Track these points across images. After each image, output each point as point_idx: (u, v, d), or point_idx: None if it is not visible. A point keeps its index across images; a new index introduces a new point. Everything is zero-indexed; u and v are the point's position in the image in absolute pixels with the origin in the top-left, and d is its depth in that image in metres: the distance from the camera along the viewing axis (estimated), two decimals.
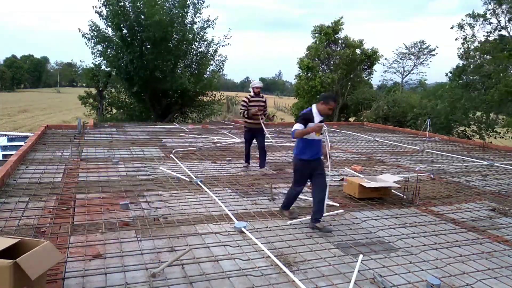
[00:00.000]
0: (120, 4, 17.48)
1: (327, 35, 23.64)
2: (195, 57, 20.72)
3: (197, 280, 3.52)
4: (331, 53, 24.08)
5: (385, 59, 45.16)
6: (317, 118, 4.86)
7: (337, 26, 23.72)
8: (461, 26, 17.93)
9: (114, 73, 20.07)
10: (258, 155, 8.19)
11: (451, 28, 18.26)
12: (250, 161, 8.52)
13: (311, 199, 6.19)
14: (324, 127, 4.78)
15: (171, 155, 9.20)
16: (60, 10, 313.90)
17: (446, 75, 20.56)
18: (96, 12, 17.85)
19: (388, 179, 6.50)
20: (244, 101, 7.90)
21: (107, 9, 17.60)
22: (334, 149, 11.06)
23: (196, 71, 20.21)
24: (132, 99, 21.66)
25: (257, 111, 7.72)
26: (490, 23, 17.37)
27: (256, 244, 4.30)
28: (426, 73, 52.27)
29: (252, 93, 7.90)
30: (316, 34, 24.28)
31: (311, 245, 4.39)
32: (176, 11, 18.76)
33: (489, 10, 17.25)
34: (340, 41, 24.20)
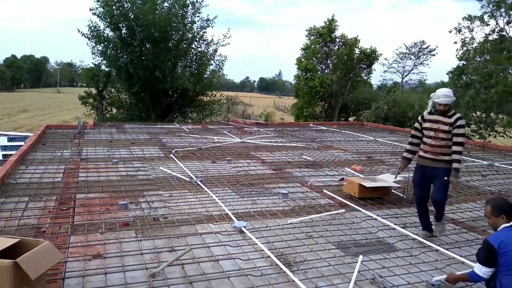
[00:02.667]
0: (118, 4, 17.47)
1: (322, 36, 23.65)
2: (195, 57, 20.72)
3: (197, 280, 3.52)
4: (329, 53, 24.07)
5: (385, 59, 45.25)
6: None
7: (331, 25, 23.71)
8: (458, 30, 17.98)
9: (114, 73, 20.07)
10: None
11: (449, 32, 18.30)
12: (248, 162, 8.41)
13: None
14: None
15: (171, 155, 9.20)
16: (60, 10, 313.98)
17: (447, 74, 20.59)
18: (93, 13, 17.83)
19: (388, 179, 6.50)
20: (417, 121, 4.90)
21: (104, 9, 17.60)
22: (334, 149, 11.06)
23: (196, 71, 20.22)
24: (132, 99, 21.66)
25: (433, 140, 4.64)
26: (488, 25, 17.37)
27: (256, 244, 4.30)
28: (426, 73, 52.34)
29: (429, 108, 4.74)
30: (312, 37, 24.27)
31: (311, 245, 4.39)
32: (175, 10, 18.75)
33: (487, 12, 17.25)
34: (337, 40, 24.19)
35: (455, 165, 4.50)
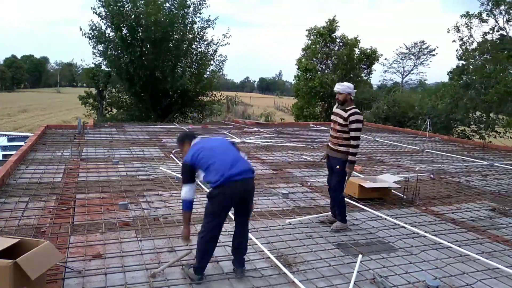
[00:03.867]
0: (118, 4, 17.48)
1: (323, 36, 23.66)
2: (195, 57, 20.72)
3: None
4: (329, 53, 24.07)
5: (385, 59, 45.31)
6: None
7: (332, 25, 23.72)
8: (457, 28, 17.95)
9: (114, 73, 20.06)
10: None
11: (447, 32, 18.28)
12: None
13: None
14: None
15: (171, 155, 9.20)
16: (60, 9, 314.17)
17: (448, 74, 20.59)
18: (94, 13, 17.85)
19: (388, 179, 6.50)
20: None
21: (105, 9, 17.61)
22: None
23: (196, 71, 20.22)
24: (132, 99, 21.67)
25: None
26: (487, 22, 17.31)
27: (256, 244, 4.29)
28: (426, 73, 52.45)
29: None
30: (312, 37, 24.30)
31: (311, 245, 4.39)
32: (176, 11, 18.77)
33: (486, 11, 17.22)
34: (337, 40, 24.19)
35: (349, 157, 4.79)
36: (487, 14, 17.17)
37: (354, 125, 4.72)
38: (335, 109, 4.99)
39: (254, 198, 6.01)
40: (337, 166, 4.88)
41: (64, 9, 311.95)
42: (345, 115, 4.75)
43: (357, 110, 4.79)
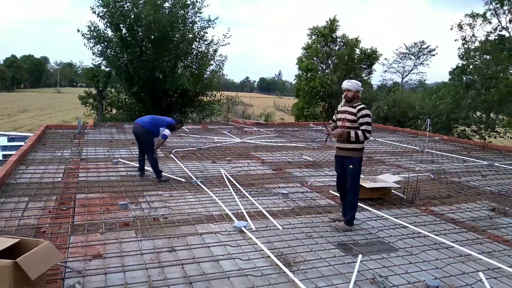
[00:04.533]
0: (118, 4, 17.48)
1: (324, 35, 23.68)
2: (195, 57, 20.72)
3: (197, 280, 3.52)
4: (329, 53, 24.08)
5: (385, 59, 45.35)
6: None
7: (333, 25, 23.74)
8: (460, 27, 17.92)
9: (114, 73, 20.05)
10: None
11: (451, 29, 18.26)
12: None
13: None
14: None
15: (171, 155, 9.20)
16: (60, 9, 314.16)
17: (450, 73, 20.57)
18: (94, 12, 17.84)
19: (388, 179, 6.50)
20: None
21: (105, 9, 17.60)
22: (334, 149, 11.04)
23: (196, 71, 20.22)
24: (132, 99, 21.65)
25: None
26: (490, 23, 17.32)
27: (256, 244, 4.29)
28: (426, 73, 52.52)
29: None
30: (313, 36, 24.31)
31: (311, 245, 4.39)
32: (175, 10, 18.77)
33: (490, 10, 17.20)
34: (338, 40, 24.20)
35: (352, 134, 4.73)
36: (491, 14, 17.16)
37: (365, 119, 4.70)
38: (341, 107, 4.89)
39: (254, 198, 6.06)
40: (350, 166, 4.80)
41: (64, 9, 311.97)
42: (354, 111, 4.71)
43: (365, 106, 4.79)
